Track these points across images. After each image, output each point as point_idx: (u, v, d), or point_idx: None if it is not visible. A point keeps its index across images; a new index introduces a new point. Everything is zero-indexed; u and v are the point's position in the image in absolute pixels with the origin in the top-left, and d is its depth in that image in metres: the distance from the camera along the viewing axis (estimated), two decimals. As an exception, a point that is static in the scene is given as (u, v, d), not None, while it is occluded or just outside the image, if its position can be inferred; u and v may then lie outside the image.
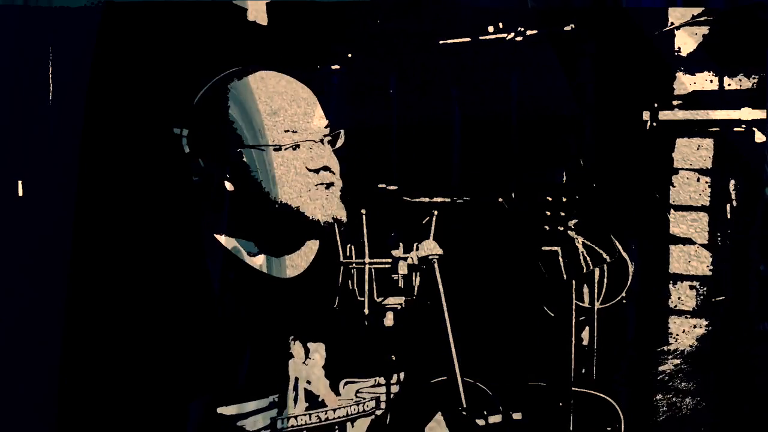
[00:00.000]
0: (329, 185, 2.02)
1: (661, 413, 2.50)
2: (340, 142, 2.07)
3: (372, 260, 2.30)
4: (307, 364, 1.98)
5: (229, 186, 1.95)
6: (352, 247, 2.31)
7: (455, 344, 2.18)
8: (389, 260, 2.30)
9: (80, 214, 2.12)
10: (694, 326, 2.52)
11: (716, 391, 2.47)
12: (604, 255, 2.48)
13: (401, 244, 2.31)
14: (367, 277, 2.30)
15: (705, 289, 2.51)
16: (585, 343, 2.52)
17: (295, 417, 1.93)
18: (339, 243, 2.30)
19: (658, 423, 2.49)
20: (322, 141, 2.03)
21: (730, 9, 2.48)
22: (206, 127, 1.97)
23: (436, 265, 2.24)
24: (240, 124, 1.95)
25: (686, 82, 2.52)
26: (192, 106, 2.00)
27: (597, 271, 2.49)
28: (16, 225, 2.27)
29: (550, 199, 2.51)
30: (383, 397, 2.08)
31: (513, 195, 2.53)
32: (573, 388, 2.43)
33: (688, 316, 2.53)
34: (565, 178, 2.54)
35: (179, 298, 1.90)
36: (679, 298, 2.54)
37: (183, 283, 1.92)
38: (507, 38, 2.55)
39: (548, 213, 2.51)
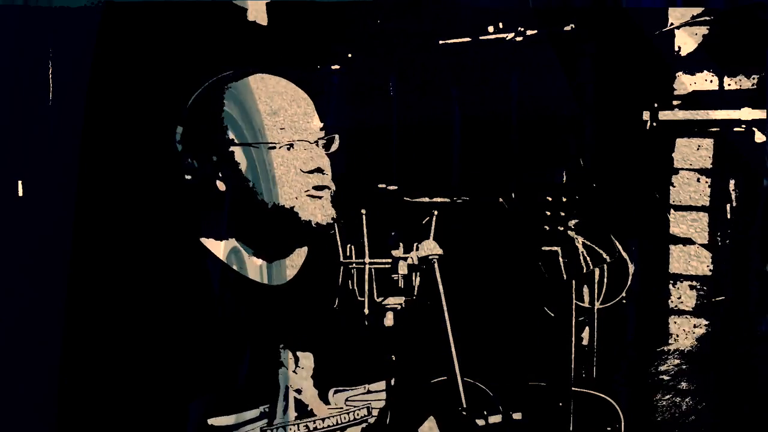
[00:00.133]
0: (322, 188, 2.01)
1: (661, 413, 2.50)
2: (334, 147, 2.06)
3: (372, 260, 2.30)
4: (297, 372, 1.97)
5: (221, 185, 1.94)
6: (352, 247, 2.31)
7: (455, 344, 2.18)
8: (389, 260, 2.30)
9: (80, 214, 2.12)
10: (694, 326, 2.52)
11: (716, 391, 2.47)
12: (604, 255, 2.48)
13: (401, 244, 2.31)
14: (367, 277, 2.30)
15: (705, 289, 2.51)
16: (585, 343, 2.52)
17: (284, 427, 1.93)
18: (339, 243, 2.30)
19: (658, 423, 2.49)
20: (316, 143, 2.02)
21: (730, 9, 2.48)
22: (199, 126, 1.97)
23: (436, 265, 2.24)
24: (240, 124, 1.95)
25: (686, 82, 2.52)
26: (187, 107, 2.00)
27: (597, 271, 2.49)
28: (16, 225, 2.27)
29: (550, 199, 2.51)
30: (375, 404, 2.08)
31: (513, 195, 2.53)
32: (573, 388, 2.43)
33: (688, 316, 2.53)
34: (565, 178, 2.54)
35: (179, 298, 1.90)
36: (679, 298, 2.54)
37: (183, 283, 1.92)
38: (507, 38, 2.55)
39: (548, 213, 2.51)
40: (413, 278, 2.31)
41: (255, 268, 1.99)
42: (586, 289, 2.51)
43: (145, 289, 1.90)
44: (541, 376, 2.46)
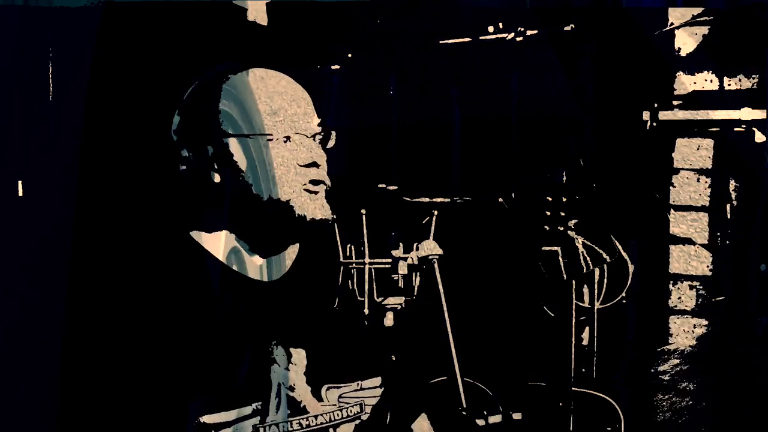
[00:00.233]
0: (317, 182, 2.00)
1: (661, 413, 2.50)
2: (331, 143, 2.06)
3: (372, 260, 2.30)
4: (290, 369, 1.96)
5: (216, 177, 1.94)
6: (352, 247, 2.31)
7: (455, 344, 2.18)
8: (389, 260, 2.30)
9: (80, 214, 2.12)
10: (694, 326, 2.52)
11: (716, 391, 2.47)
12: (604, 255, 2.48)
13: (401, 244, 2.31)
14: (367, 277, 2.30)
15: (705, 289, 2.51)
16: (585, 343, 2.52)
17: (277, 424, 1.92)
18: (339, 243, 2.30)
19: (658, 423, 2.49)
20: (313, 138, 2.01)
21: (730, 9, 2.48)
22: (196, 117, 1.96)
23: (436, 265, 2.24)
24: (240, 124, 1.95)
25: (686, 82, 2.52)
26: (185, 97, 1.99)
27: (597, 271, 2.49)
28: (16, 225, 2.27)
29: (550, 199, 2.51)
30: (368, 401, 2.07)
31: (513, 195, 2.53)
32: (573, 388, 2.44)
33: (688, 316, 2.53)
34: (565, 178, 2.54)
35: (179, 299, 1.90)
36: (679, 298, 2.54)
37: (183, 283, 1.92)
38: (507, 38, 2.55)
39: (548, 213, 2.51)
40: (413, 278, 2.31)
41: (255, 268, 1.98)
42: (586, 289, 2.51)
43: (145, 290, 1.90)
44: (541, 376, 2.46)
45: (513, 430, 2.30)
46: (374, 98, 2.61)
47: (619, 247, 2.50)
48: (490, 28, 2.56)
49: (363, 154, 2.54)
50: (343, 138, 2.09)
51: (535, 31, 2.53)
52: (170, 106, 2.01)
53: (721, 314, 2.50)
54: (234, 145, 1.93)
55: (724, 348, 2.49)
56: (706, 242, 2.51)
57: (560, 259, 2.44)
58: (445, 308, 2.20)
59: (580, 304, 2.50)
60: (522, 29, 2.53)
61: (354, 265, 2.30)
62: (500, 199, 2.53)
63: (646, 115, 2.52)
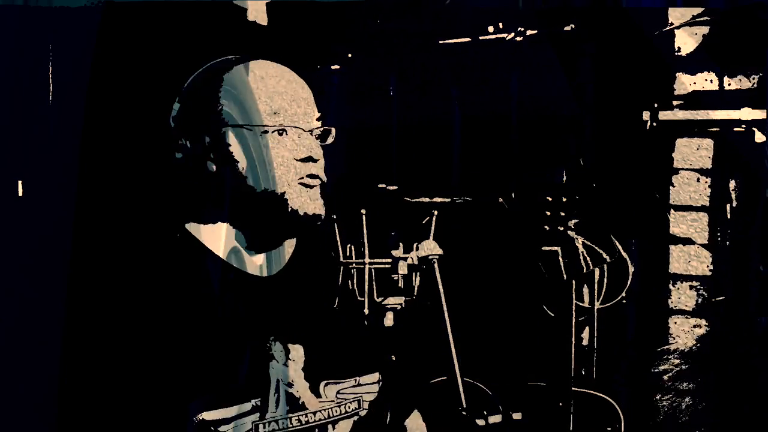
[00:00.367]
0: (313, 177, 1.99)
1: (661, 413, 2.50)
2: (330, 139, 2.05)
3: (372, 260, 2.30)
4: (288, 366, 1.96)
5: (211, 167, 1.93)
6: (352, 247, 2.31)
7: (455, 344, 2.18)
8: (389, 260, 2.30)
9: (80, 214, 2.12)
10: (694, 326, 2.52)
11: (716, 391, 2.47)
12: (604, 255, 2.48)
13: (401, 244, 2.31)
14: (367, 277, 2.30)
15: (705, 289, 2.51)
16: (585, 343, 2.52)
17: (276, 421, 1.92)
18: (339, 243, 2.30)
19: (658, 423, 2.49)
20: (311, 132, 2.00)
21: (730, 9, 2.48)
22: (196, 106, 1.96)
23: (436, 265, 2.24)
24: (243, 124, 1.94)
25: (686, 82, 2.52)
26: (185, 85, 1.99)
27: (597, 271, 2.49)
28: (16, 225, 2.27)
29: (550, 199, 2.51)
30: (366, 397, 2.07)
31: (513, 195, 2.53)
32: (573, 388, 2.44)
33: (688, 316, 2.53)
34: (565, 178, 2.54)
35: (179, 299, 1.90)
36: (679, 298, 2.54)
37: (183, 283, 1.92)
38: (507, 38, 2.55)
39: (548, 213, 2.51)
40: (413, 278, 2.31)
41: (255, 267, 1.98)
42: (586, 289, 2.51)
43: (145, 290, 1.90)
44: (541, 376, 2.46)
45: (513, 430, 2.30)
46: (374, 98, 2.61)
47: (619, 247, 2.50)
48: (490, 28, 2.56)
49: (363, 154, 2.54)
50: (343, 138, 2.09)
51: (535, 31, 2.53)
52: (170, 106, 2.01)
53: (721, 314, 2.50)
54: (234, 144, 1.93)
55: (724, 348, 2.49)
56: (706, 242, 2.51)
57: (560, 259, 2.44)
58: (445, 308, 2.20)
59: (580, 304, 2.50)
60: (522, 29, 2.53)
61: (354, 265, 2.30)
62: (500, 199, 2.53)
63: (646, 115, 2.52)
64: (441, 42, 2.58)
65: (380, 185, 2.55)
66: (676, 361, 2.51)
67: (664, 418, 2.49)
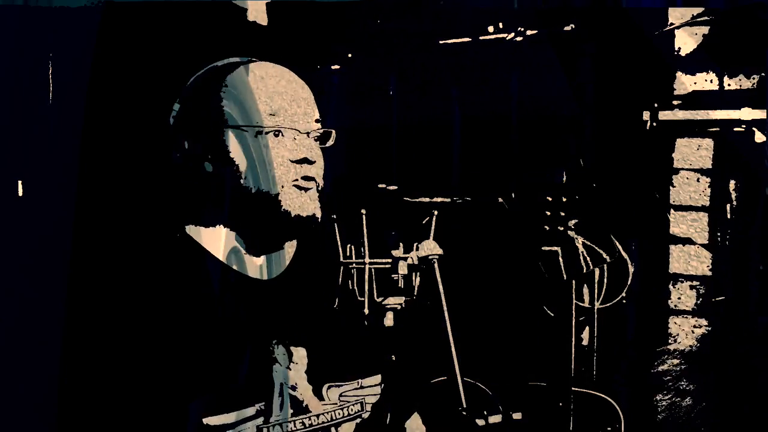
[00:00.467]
0: (308, 179, 1.98)
1: (661, 413, 2.50)
2: (330, 142, 2.04)
3: (372, 260, 2.30)
4: (291, 368, 1.96)
5: (208, 167, 1.93)
6: (352, 247, 2.31)
7: (455, 344, 2.18)
8: (389, 260, 2.30)
9: (80, 214, 2.12)
10: (694, 326, 2.52)
11: (716, 391, 2.47)
12: (604, 255, 2.48)
13: (401, 244, 2.31)
14: (367, 277, 2.30)
15: (705, 289, 2.51)
16: (585, 343, 2.52)
17: (280, 424, 1.92)
18: (339, 243, 2.30)
19: (658, 423, 2.49)
20: (308, 134, 2.00)
21: (730, 9, 2.48)
22: (196, 107, 1.96)
23: (436, 265, 2.24)
24: (240, 124, 1.94)
25: (686, 82, 2.52)
26: (186, 85, 1.99)
27: (597, 271, 2.49)
28: (16, 225, 2.27)
29: (550, 199, 2.51)
30: (368, 399, 2.06)
31: (513, 195, 2.53)
32: (573, 388, 2.44)
33: (688, 316, 2.53)
34: (565, 178, 2.54)
35: (179, 299, 1.90)
36: (679, 298, 2.54)
37: (183, 283, 1.92)
38: (507, 38, 2.55)
39: (548, 213, 2.51)
40: (413, 278, 2.31)
41: (255, 268, 1.98)
42: (586, 289, 2.51)
43: (145, 290, 1.90)
44: (541, 376, 2.46)
45: (513, 430, 2.30)
46: (374, 98, 2.61)
47: (619, 247, 2.50)
48: (490, 28, 2.56)
49: (363, 154, 2.54)
50: (343, 138, 2.09)
51: (535, 31, 2.53)
52: (170, 106, 2.01)
53: (721, 314, 2.50)
54: (234, 145, 1.93)
55: (724, 348, 2.49)
56: (706, 242, 2.51)
57: (560, 259, 2.44)
58: (445, 308, 2.20)
59: (580, 304, 2.50)
60: (522, 29, 2.53)
61: (354, 265, 2.30)
62: (500, 199, 2.53)
63: (646, 115, 2.52)
64: (441, 42, 2.58)
65: (380, 185, 2.55)
66: (676, 361, 2.51)
67: (664, 418, 2.49)
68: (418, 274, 2.31)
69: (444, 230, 2.34)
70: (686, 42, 2.51)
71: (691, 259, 2.52)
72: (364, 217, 2.32)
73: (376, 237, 2.32)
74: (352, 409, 2.02)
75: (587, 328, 2.52)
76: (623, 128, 2.53)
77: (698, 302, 2.52)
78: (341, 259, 2.29)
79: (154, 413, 1.84)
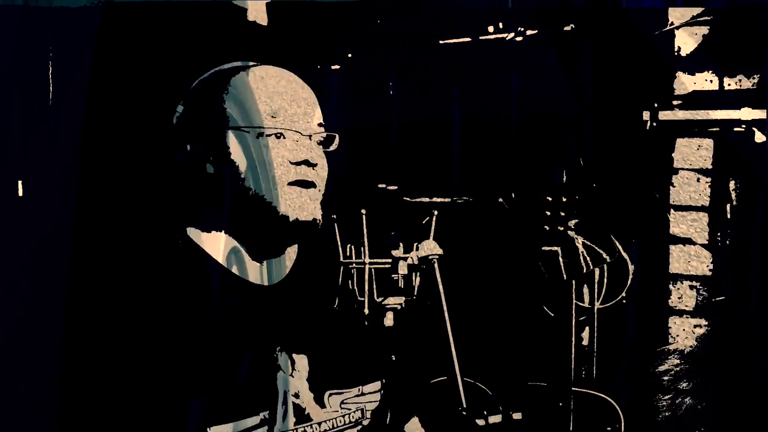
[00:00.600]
0: (308, 183, 1.97)
1: (661, 413, 2.50)
2: (333, 146, 2.03)
3: (372, 260, 2.30)
4: (294, 376, 1.95)
5: (210, 169, 1.92)
6: (352, 247, 2.31)
7: (455, 344, 2.18)
8: (389, 260, 2.30)
9: (80, 214, 2.12)
10: (694, 326, 2.52)
11: (716, 391, 2.47)
12: (604, 255, 2.48)
13: (401, 244, 2.31)
14: (367, 277, 2.30)
15: (705, 289, 2.51)
16: (585, 343, 2.52)
17: None
18: (339, 243, 2.30)
19: (658, 423, 2.49)
20: (310, 137, 1.99)
21: (730, 9, 2.48)
22: (200, 109, 1.95)
23: (436, 265, 2.24)
24: (240, 125, 1.94)
25: (686, 82, 2.52)
26: (191, 87, 1.99)
27: (597, 271, 2.49)
28: (16, 225, 2.27)
29: (550, 199, 2.51)
30: (368, 406, 2.06)
31: (513, 195, 2.53)
32: (573, 388, 2.44)
33: (688, 316, 2.53)
34: (565, 178, 2.54)
35: (179, 298, 1.90)
36: (679, 298, 2.54)
37: (183, 282, 1.92)
38: (507, 38, 2.55)
39: (548, 213, 2.51)
40: (413, 278, 2.31)
41: (255, 268, 1.98)
42: (586, 289, 2.51)
43: (145, 290, 1.90)
44: (541, 376, 2.46)
45: (513, 430, 2.30)
46: (374, 98, 2.61)
47: (619, 247, 2.50)
48: (490, 28, 2.56)
49: (363, 154, 2.54)
50: (343, 138, 2.08)
51: (535, 31, 2.53)
52: (170, 106, 2.01)
53: (721, 314, 2.50)
54: (234, 146, 1.93)
55: (724, 348, 2.49)
56: (706, 242, 2.51)
57: (560, 259, 2.44)
58: (445, 308, 2.20)
59: (580, 304, 2.50)
60: (522, 29, 2.53)
61: (354, 265, 2.30)
62: (500, 199, 2.53)
63: (646, 115, 2.52)
64: (441, 42, 2.58)
65: (380, 185, 2.55)
66: (676, 361, 2.51)
67: (664, 418, 2.49)
68: (418, 274, 2.31)
69: (444, 230, 2.34)
70: (686, 42, 2.51)
71: (691, 259, 2.52)
72: (364, 217, 2.32)
73: (376, 237, 2.32)
74: (353, 417, 2.02)
75: (587, 328, 2.52)
76: (623, 128, 2.53)
77: (698, 302, 2.52)
78: (341, 259, 2.29)
79: (154, 413, 1.84)
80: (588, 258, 2.46)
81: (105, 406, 1.86)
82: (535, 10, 2.56)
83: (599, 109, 2.54)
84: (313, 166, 1.97)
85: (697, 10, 2.49)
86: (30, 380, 2.20)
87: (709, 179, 2.52)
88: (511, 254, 2.50)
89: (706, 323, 2.51)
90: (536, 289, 2.48)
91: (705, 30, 2.50)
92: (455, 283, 2.25)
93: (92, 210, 2.11)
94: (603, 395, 2.43)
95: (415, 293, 2.31)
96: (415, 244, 2.30)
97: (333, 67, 2.58)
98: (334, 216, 2.29)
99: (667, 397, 2.50)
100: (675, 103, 2.53)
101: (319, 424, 1.96)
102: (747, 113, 2.44)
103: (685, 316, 2.53)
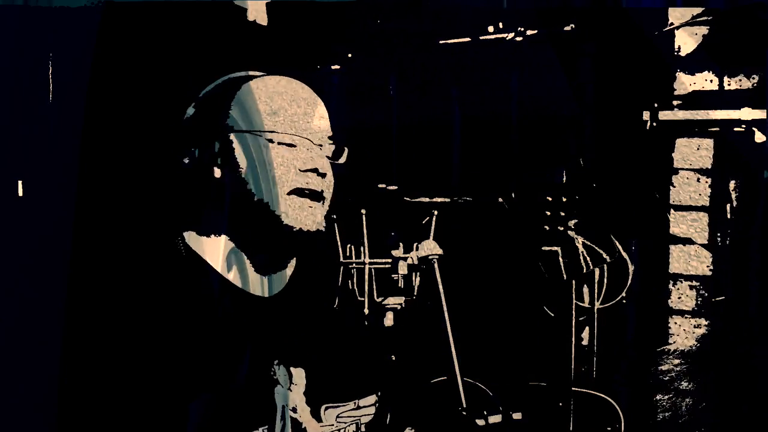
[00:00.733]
0: (316, 194, 1.96)
1: (661, 413, 2.50)
2: (343, 159, 2.02)
3: (372, 260, 2.30)
4: (292, 390, 1.94)
5: (216, 172, 1.91)
6: (352, 247, 2.31)
7: (455, 344, 2.18)
8: (389, 260, 2.30)
9: (80, 214, 2.12)
10: (694, 326, 2.52)
11: (716, 391, 2.47)
12: (604, 255, 2.48)
13: (401, 244, 2.31)
14: (367, 277, 2.30)
15: (705, 289, 2.51)
16: (585, 343, 2.52)
17: None
18: (339, 243, 2.30)
19: (658, 423, 2.49)
20: (320, 146, 1.98)
21: (730, 9, 2.48)
22: (210, 113, 1.95)
23: (436, 265, 2.24)
24: (240, 125, 1.94)
25: (686, 82, 2.52)
26: (204, 91, 1.98)
27: (597, 271, 2.49)
28: (16, 225, 2.27)
29: (550, 199, 2.51)
30: (363, 419, 2.06)
31: (513, 195, 2.53)
32: (573, 388, 2.44)
33: (688, 316, 2.53)
34: (565, 178, 2.54)
35: (179, 298, 1.90)
36: (679, 298, 2.54)
37: (183, 282, 1.92)
38: (507, 38, 2.55)
39: (548, 213, 2.51)
40: (413, 278, 2.31)
41: (257, 279, 1.97)
42: (586, 289, 2.51)
43: (145, 289, 1.90)
44: (541, 376, 2.46)
45: (513, 430, 2.30)
46: (374, 98, 2.61)
47: (619, 247, 2.50)
48: (490, 28, 2.56)
49: (363, 154, 2.54)
50: (343, 138, 2.08)
51: (535, 31, 2.54)
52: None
53: (721, 314, 2.50)
54: (235, 144, 1.92)
55: (724, 348, 2.49)
56: (706, 242, 2.51)
57: (560, 259, 2.44)
58: (445, 308, 2.20)
59: (580, 304, 2.50)
60: (522, 29, 2.53)
61: (354, 265, 2.30)
62: (500, 199, 2.53)
63: (646, 115, 2.52)
64: (441, 42, 2.58)
65: (380, 185, 2.55)
66: (676, 361, 2.51)
67: (664, 418, 2.49)
68: (418, 274, 2.31)
69: (444, 230, 2.35)
70: (686, 42, 2.51)
71: (691, 259, 2.52)
72: (364, 217, 2.32)
73: (376, 237, 2.32)
74: (348, 430, 2.02)
75: (587, 328, 2.52)
76: (623, 128, 2.53)
77: (698, 302, 2.52)
78: (341, 259, 2.29)
79: (154, 413, 1.84)
80: (588, 258, 2.46)
81: (105, 406, 1.86)
82: (535, 10, 2.56)
83: (599, 109, 2.54)
84: (323, 176, 1.95)
85: (697, 10, 2.49)
86: (30, 380, 2.20)
87: (709, 179, 2.52)
88: (511, 254, 2.50)
89: (706, 323, 2.51)
90: (536, 289, 2.48)
91: (705, 30, 2.50)
92: (455, 283, 2.26)
93: (92, 210, 2.11)
94: (603, 395, 2.43)
95: (415, 293, 2.32)
96: (415, 244, 2.30)
97: (333, 67, 2.58)
98: (334, 216, 2.29)
99: (667, 397, 2.50)
100: (675, 103, 2.53)
101: None
102: (747, 113, 2.44)
103: (685, 316, 2.53)
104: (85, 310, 1.95)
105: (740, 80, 2.47)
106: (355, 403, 2.04)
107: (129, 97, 2.15)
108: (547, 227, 2.50)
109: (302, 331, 2.04)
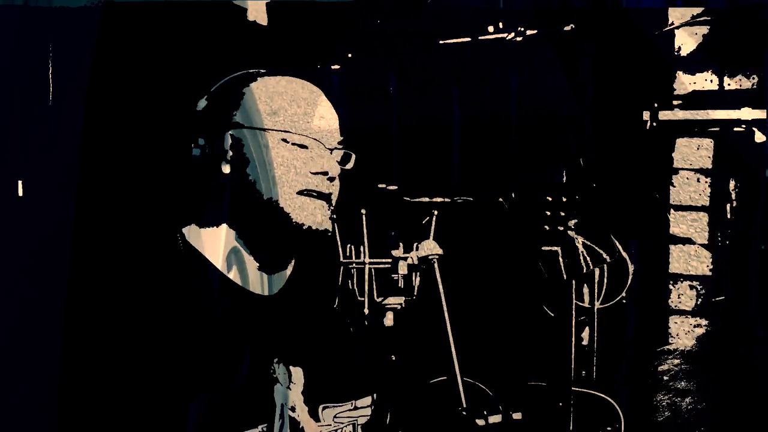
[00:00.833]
0: (324, 195, 1.97)
1: (661, 413, 2.50)
2: (350, 164, 2.05)
3: (372, 260, 2.30)
4: (291, 389, 1.95)
5: (225, 168, 1.92)
6: (352, 247, 2.31)
7: (455, 344, 2.18)
8: (389, 260, 2.30)
9: (80, 214, 2.12)
10: (694, 326, 2.52)
11: (716, 391, 2.47)
12: (604, 255, 2.48)
13: (401, 244, 2.31)
14: (367, 277, 2.30)
15: (705, 289, 2.51)
16: (585, 343, 2.52)
17: None
18: (339, 243, 2.30)
19: (658, 423, 2.49)
20: (331, 151, 2.00)
21: (730, 9, 2.48)
22: (221, 107, 1.95)
23: (436, 265, 2.24)
24: (240, 124, 1.94)
25: (686, 82, 2.52)
26: (217, 85, 1.98)
27: (597, 271, 2.49)
28: (16, 225, 2.27)
29: (550, 199, 2.51)
30: (360, 420, 2.06)
31: (513, 195, 2.53)
32: (573, 388, 2.44)
33: (688, 315, 2.53)
34: (565, 178, 2.54)
35: (179, 298, 1.90)
36: (679, 298, 2.54)
37: (183, 282, 1.92)
38: (507, 38, 2.55)
39: (548, 213, 2.51)
40: (413, 278, 2.31)
41: (257, 277, 1.98)
42: (586, 289, 2.51)
43: (145, 289, 1.90)
44: (541, 376, 2.46)
45: (513, 430, 2.30)
46: (374, 98, 2.61)
47: (619, 247, 2.50)
48: (490, 28, 2.56)
49: (363, 154, 2.54)
50: (343, 138, 2.09)
51: (535, 31, 2.53)
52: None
53: (721, 314, 2.50)
54: (243, 141, 1.93)
55: (724, 348, 2.49)
56: (706, 242, 2.51)
57: (560, 259, 2.44)
58: (445, 308, 2.20)
59: (580, 304, 2.50)
60: (522, 29, 2.53)
61: (354, 265, 2.30)
62: (500, 199, 2.53)
63: (646, 115, 2.52)
64: (441, 42, 2.58)
65: (380, 185, 2.55)
66: (676, 361, 2.51)
67: (664, 418, 2.49)
68: (418, 274, 2.31)
69: (444, 230, 2.34)
70: (686, 42, 2.51)
71: (691, 259, 2.52)
72: (364, 217, 2.32)
73: (376, 237, 2.32)
74: (345, 431, 2.02)
75: (587, 328, 2.52)
76: (623, 128, 2.53)
77: (698, 302, 2.52)
78: (341, 259, 2.29)
79: (154, 413, 1.84)
80: (588, 258, 2.46)
81: (105, 406, 1.86)
82: (535, 10, 2.56)
83: (599, 109, 2.54)
84: (332, 180, 1.98)
85: (697, 10, 2.49)
86: (30, 380, 2.20)
87: (709, 179, 2.52)
88: (511, 254, 2.50)
89: (706, 323, 2.51)
90: (536, 289, 2.48)
91: (705, 30, 2.50)
92: (455, 283, 2.25)
93: (92, 210, 2.11)
94: (603, 395, 2.43)
95: (415, 293, 2.31)
96: (415, 244, 2.30)
97: (333, 67, 2.58)
98: (334, 216, 2.29)
99: (667, 397, 2.50)
100: (675, 103, 2.53)
101: None
102: (747, 113, 2.44)
103: (685, 315, 2.53)
104: (84, 309, 1.95)
105: (740, 80, 2.47)
106: (352, 403, 2.04)
107: (129, 97, 2.15)
108: (547, 227, 2.50)
109: (302, 330, 2.04)
